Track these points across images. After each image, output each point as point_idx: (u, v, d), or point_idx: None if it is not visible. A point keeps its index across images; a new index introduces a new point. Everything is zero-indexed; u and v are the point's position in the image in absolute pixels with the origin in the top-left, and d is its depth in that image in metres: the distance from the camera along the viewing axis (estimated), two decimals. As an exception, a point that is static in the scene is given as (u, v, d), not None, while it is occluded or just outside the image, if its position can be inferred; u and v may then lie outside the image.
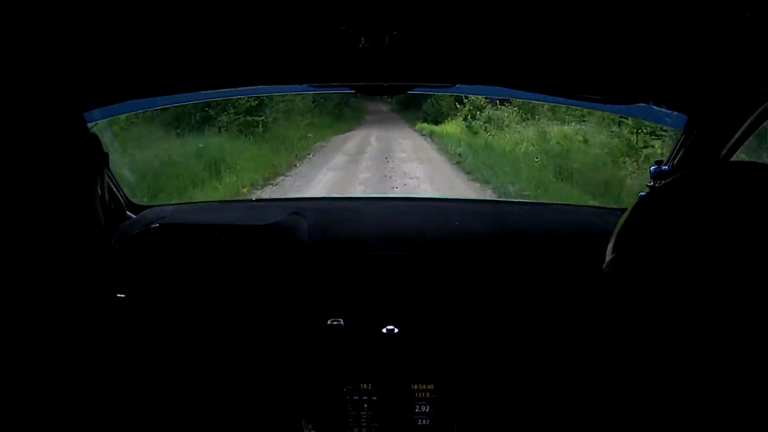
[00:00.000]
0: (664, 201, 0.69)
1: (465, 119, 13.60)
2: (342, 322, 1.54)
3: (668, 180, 0.71)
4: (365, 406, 1.49)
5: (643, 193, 1.75)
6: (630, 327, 0.70)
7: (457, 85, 1.52)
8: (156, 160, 8.13)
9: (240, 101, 10.86)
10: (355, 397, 1.49)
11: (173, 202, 2.16)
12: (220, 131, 10.91)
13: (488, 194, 8.22)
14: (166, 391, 1.46)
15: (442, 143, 13.23)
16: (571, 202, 5.84)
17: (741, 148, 1.44)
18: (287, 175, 9.74)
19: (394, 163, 10.71)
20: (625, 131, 8.04)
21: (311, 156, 11.96)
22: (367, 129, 16.55)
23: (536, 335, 1.53)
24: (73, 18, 1.04)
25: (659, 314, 0.65)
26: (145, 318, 1.49)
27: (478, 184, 8.95)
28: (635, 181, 6.85)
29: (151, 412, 1.42)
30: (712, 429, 0.64)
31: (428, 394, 1.50)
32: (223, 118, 11.19)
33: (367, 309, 1.56)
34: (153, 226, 1.53)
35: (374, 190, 8.30)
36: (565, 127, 10.18)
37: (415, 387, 1.50)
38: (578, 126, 9.87)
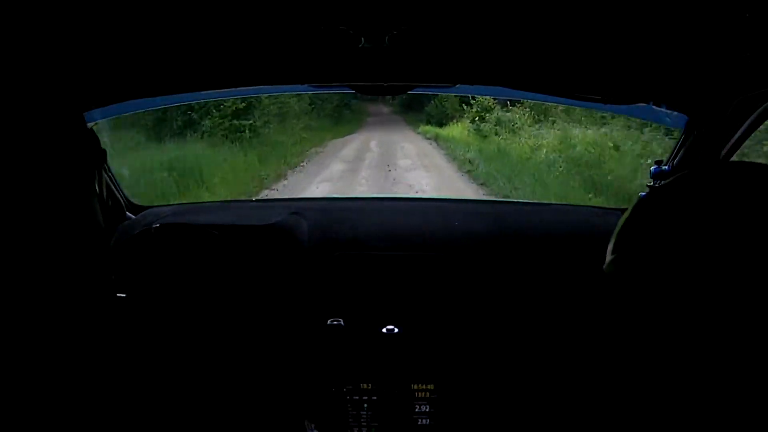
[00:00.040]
0: (664, 201, 0.69)
1: (472, 121, 12.76)
2: (342, 322, 1.54)
3: (668, 180, 0.71)
4: (365, 406, 1.49)
5: (643, 194, 1.76)
6: (630, 327, 0.70)
7: (457, 85, 1.52)
8: (124, 172, 6.70)
9: (226, 103, 10.13)
10: (355, 397, 1.49)
11: (173, 203, 2.16)
12: (203, 137, 10.11)
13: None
14: (167, 390, 1.47)
15: (448, 148, 12.23)
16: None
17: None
18: (272, 189, 8.65)
19: (397, 172, 9.55)
20: (660, 135, 6.76)
21: (304, 164, 10.92)
22: (367, 132, 15.79)
23: (536, 335, 1.53)
24: (73, 18, 1.04)
25: (659, 314, 0.65)
26: (145, 318, 1.50)
27: (494, 198, 7.23)
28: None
29: (153, 411, 1.42)
30: (712, 428, 0.64)
31: (428, 394, 1.50)
32: (207, 122, 10.31)
33: (367, 309, 1.56)
34: (154, 226, 1.54)
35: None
36: (589, 131, 8.93)
37: (415, 387, 1.50)
38: (602, 129, 8.69)
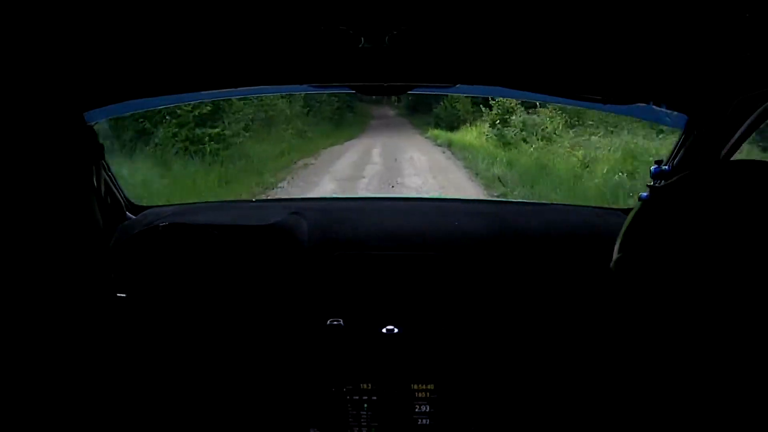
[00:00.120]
0: (670, 201, 0.69)
1: (493, 125, 10.78)
2: (342, 322, 1.54)
3: (673, 179, 0.71)
4: (365, 406, 1.49)
5: (644, 194, 1.76)
6: (635, 326, 0.70)
7: (457, 85, 1.52)
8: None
9: (185, 107, 8.07)
10: (355, 397, 1.49)
11: (173, 203, 2.16)
12: (156, 150, 8.12)
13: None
14: (167, 389, 1.46)
15: (467, 158, 9.95)
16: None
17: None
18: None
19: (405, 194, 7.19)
20: (757, 151, 5.19)
21: (285, 184, 8.42)
22: (370, 137, 14.10)
23: (536, 335, 1.53)
24: (73, 18, 1.04)
25: (664, 312, 0.65)
26: (145, 318, 1.49)
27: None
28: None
29: (152, 412, 1.42)
30: (716, 427, 0.64)
31: (428, 394, 1.50)
32: (160, 132, 8.24)
33: (367, 309, 1.56)
34: (161, 225, 1.54)
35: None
36: (653, 143, 7.04)
37: (415, 387, 1.50)
38: (661, 138, 6.77)
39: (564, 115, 9.19)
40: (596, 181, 6.97)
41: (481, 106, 11.84)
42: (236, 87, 1.58)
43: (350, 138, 13.85)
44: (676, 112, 1.52)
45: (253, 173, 8.54)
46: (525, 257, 1.58)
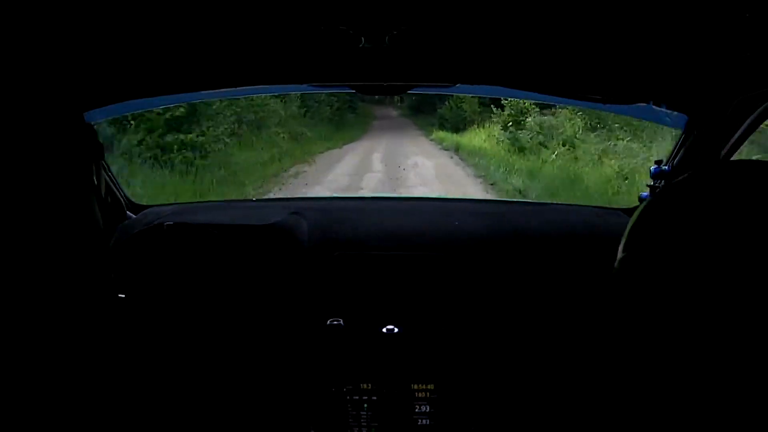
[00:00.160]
0: (674, 200, 0.69)
1: (505, 128, 9.86)
2: (342, 322, 1.54)
3: (681, 178, 0.71)
4: (365, 406, 1.49)
5: (644, 194, 1.76)
6: (638, 326, 0.70)
7: (457, 85, 1.52)
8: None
9: (157, 111, 7.11)
10: (355, 397, 1.49)
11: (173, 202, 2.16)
12: (121, 159, 7.10)
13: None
14: (167, 389, 1.46)
15: (478, 165, 8.89)
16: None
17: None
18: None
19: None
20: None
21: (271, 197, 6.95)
22: (372, 140, 13.29)
23: (536, 335, 1.53)
24: (73, 18, 1.04)
25: (668, 313, 0.65)
26: (145, 318, 1.49)
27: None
28: None
29: (152, 412, 1.42)
30: (721, 427, 0.64)
31: (428, 394, 1.50)
32: (124, 140, 7.19)
33: (367, 309, 1.56)
34: (166, 224, 1.54)
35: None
36: None
37: (415, 387, 1.50)
38: None
39: (584, 117, 8.24)
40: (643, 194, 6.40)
41: (491, 106, 10.87)
42: (236, 87, 1.58)
43: (350, 141, 13.11)
44: (676, 112, 1.53)
45: (234, 185, 7.56)
46: (525, 257, 1.58)
